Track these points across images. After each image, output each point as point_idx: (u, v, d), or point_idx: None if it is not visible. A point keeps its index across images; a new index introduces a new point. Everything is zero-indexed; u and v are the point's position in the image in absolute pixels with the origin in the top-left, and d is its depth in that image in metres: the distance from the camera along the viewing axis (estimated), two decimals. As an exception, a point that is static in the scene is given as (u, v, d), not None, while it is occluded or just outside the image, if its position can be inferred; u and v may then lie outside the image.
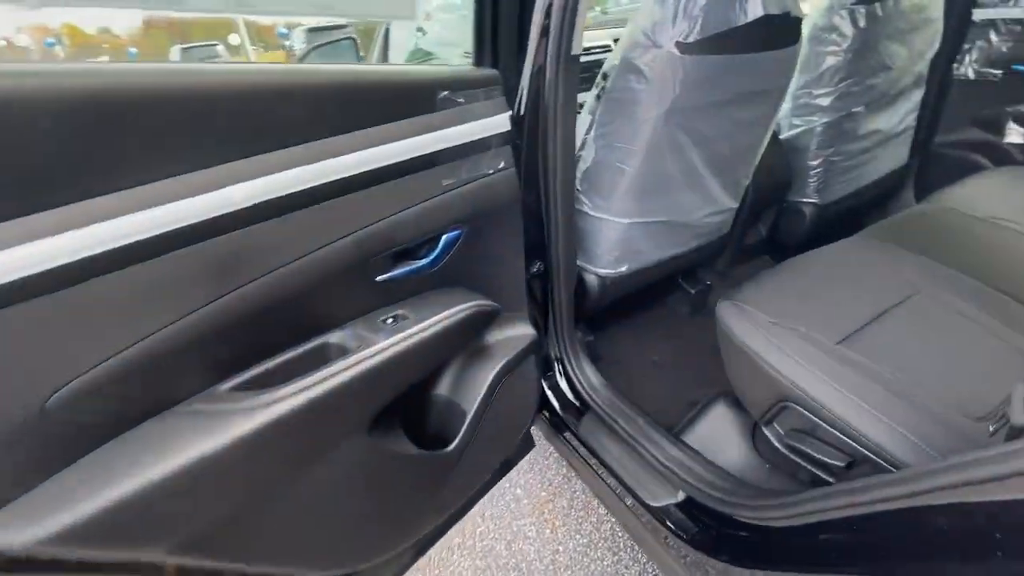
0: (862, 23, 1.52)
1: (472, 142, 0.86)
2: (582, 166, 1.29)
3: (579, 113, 1.29)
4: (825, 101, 1.63)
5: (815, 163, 1.74)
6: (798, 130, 1.72)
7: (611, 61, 1.14)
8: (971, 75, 1.83)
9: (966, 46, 1.82)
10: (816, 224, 1.83)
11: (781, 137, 1.78)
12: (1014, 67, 1.74)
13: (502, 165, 0.92)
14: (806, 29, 1.62)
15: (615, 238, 1.35)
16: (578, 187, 1.32)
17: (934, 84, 1.88)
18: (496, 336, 1.06)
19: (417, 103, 0.81)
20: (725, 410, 1.26)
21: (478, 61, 0.94)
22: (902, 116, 1.83)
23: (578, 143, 1.28)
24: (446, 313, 0.85)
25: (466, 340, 0.95)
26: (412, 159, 0.80)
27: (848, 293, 1.14)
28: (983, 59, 1.79)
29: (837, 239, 2.09)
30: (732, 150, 1.36)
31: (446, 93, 0.82)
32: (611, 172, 1.25)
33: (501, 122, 0.91)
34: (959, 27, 1.79)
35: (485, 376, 1.00)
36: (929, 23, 1.66)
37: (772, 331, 1.05)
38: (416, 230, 0.83)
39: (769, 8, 1.06)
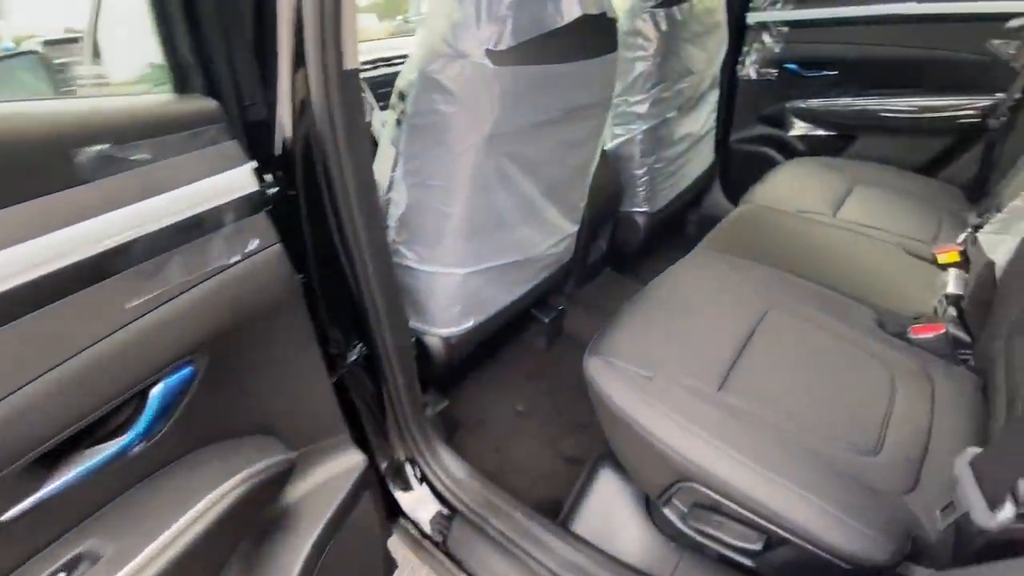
0: (664, 27, 1.47)
1: (180, 223, 0.51)
2: (395, 211, 1.00)
3: (378, 143, 1.00)
4: (642, 108, 1.57)
5: (641, 172, 1.69)
6: (620, 139, 1.65)
7: (406, 76, 0.87)
8: (753, 75, 1.96)
9: (745, 48, 1.94)
10: (650, 231, 1.79)
11: (605, 148, 1.69)
12: (785, 66, 1.91)
13: (253, 246, 0.58)
14: (614, 33, 1.54)
15: (453, 291, 1.09)
16: (394, 237, 1.03)
17: (725, 85, 1.98)
18: (302, 488, 0.72)
19: (52, 169, 0.44)
20: (613, 479, 1.08)
21: (180, 85, 0.58)
22: (706, 118, 1.88)
23: (384, 183, 0.98)
24: (186, 519, 0.49)
25: (242, 529, 0.60)
26: (55, 273, 0.43)
27: (709, 321, 1.04)
28: (761, 60, 1.93)
29: (669, 242, 2.20)
30: (566, 173, 1.19)
31: (104, 148, 0.45)
32: (433, 216, 0.98)
33: (238, 180, 0.57)
34: (738, 30, 1.90)
35: (291, 561, 0.65)
36: (718, 26, 1.70)
37: (650, 390, 0.88)
38: (92, 395, 0.46)
39: (587, 7, 0.89)
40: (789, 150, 2.00)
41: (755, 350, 0.97)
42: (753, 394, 0.88)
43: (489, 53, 0.80)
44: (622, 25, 1.49)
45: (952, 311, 1.05)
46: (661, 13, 1.46)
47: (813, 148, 1.96)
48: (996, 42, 1.52)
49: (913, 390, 0.92)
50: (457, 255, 1.03)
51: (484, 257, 1.08)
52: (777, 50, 1.88)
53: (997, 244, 0.87)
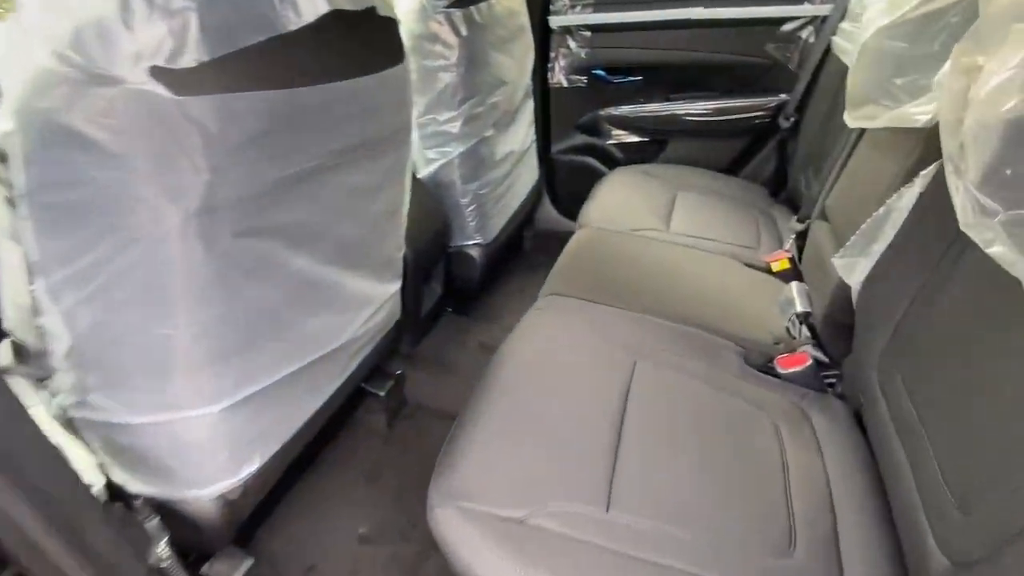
0: (464, 31, 1.23)
1: None
2: (56, 345, 0.58)
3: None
4: (454, 127, 1.32)
5: (466, 200, 1.44)
6: (436, 164, 1.38)
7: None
8: (564, 82, 1.86)
9: (552, 54, 1.82)
10: (488, 264, 1.57)
11: (420, 176, 1.41)
12: (593, 72, 1.83)
13: None
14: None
15: (207, 438, 0.70)
16: (72, 383, 0.61)
17: (538, 95, 1.84)
18: None
19: None
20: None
21: None
22: (525, 132, 1.71)
23: (18, 302, 0.56)
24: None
25: None
26: None
27: (576, 403, 0.83)
28: (569, 66, 1.83)
29: (509, 267, 2.03)
30: (366, 227, 0.88)
31: None
32: (138, 343, 0.59)
33: None
34: (543, 35, 1.77)
35: None
36: (523, 31, 1.52)
37: (520, 540, 0.62)
38: None
39: (338, 1, 0.58)
40: (609, 158, 1.94)
41: (634, 427, 0.78)
42: (647, 502, 0.68)
43: (160, 73, 0.45)
44: (413, 29, 1.22)
45: (805, 331, 0.99)
46: (458, 14, 1.22)
47: (630, 155, 1.92)
48: (772, 46, 1.60)
49: (798, 441, 0.81)
50: (200, 390, 0.65)
51: (252, 376, 0.71)
52: (583, 56, 1.78)
53: (853, 267, 0.80)
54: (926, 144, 0.75)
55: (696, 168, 1.79)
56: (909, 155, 0.78)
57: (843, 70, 1.36)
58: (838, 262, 0.83)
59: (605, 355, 0.93)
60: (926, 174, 0.69)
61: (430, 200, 1.38)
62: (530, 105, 1.76)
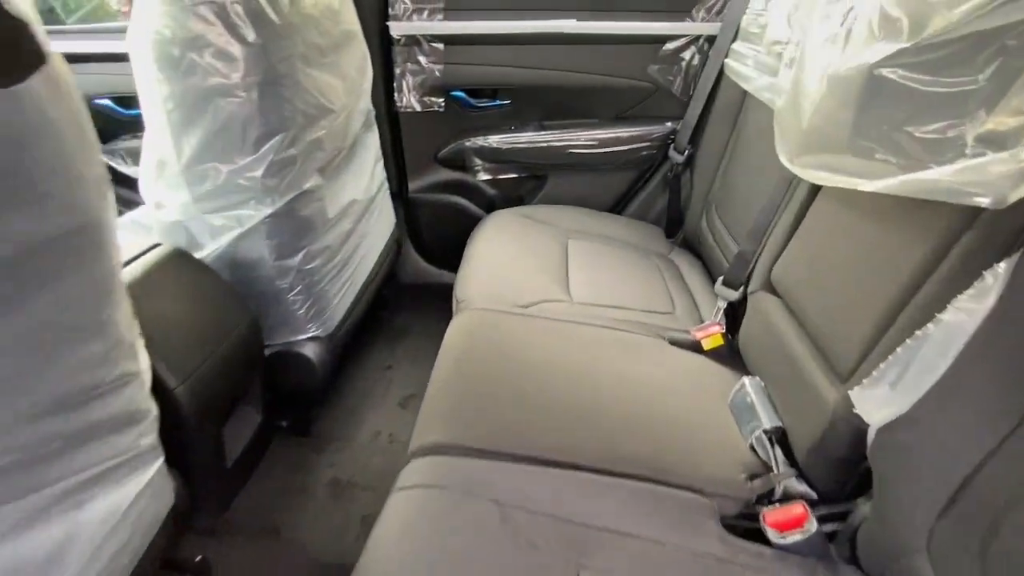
0: (251, 35, 0.79)
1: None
2: None
3: None
4: (253, 180, 0.86)
5: (286, 282, 0.98)
6: (229, 236, 0.90)
7: None
8: (416, 106, 1.47)
9: (398, 70, 1.43)
10: (332, 359, 1.11)
11: (203, 255, 0.92)
12: (452, 94, 1.48)
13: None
14: (136, 44, 0.78)
15: None
16: None
17: (384, 123, 1.43)
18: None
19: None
20: None
21: None
22: (372, 171, 1.30)
23: None
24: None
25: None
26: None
27: None
28: (421, 85, 1.45)
29: (362, 348, 1.60)
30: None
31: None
32: None
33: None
34: (383, 46, 1.37)
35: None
36: (351, 39, 1.11)
37: None
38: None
39: None
40: (478, 195, 1.60)
41: None
42: None
43: None
44: (163, 28, 0.75)
45: (779, 453, 0.73)
46: (238, 8, 0.77)
47: (504, 192, 1.60)
48: (655, 68, 1.40)
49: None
50: None
51: None
52: (437, 74, 1.42)
53: (875, 402, 0.54)
54: (965, 217, 0.51)
55: (581, 208, 1.52)
56: (934, 230, 0.54)
57: (740, 97, 1.20)
58: (854, 395, 0.57)
59: (530, 564, 0.56)
60: (1006, 269, 0.45)
61: (220, 290, 0.89)
62: (374, 137, 1.34)
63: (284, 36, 0.84)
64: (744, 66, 1.12)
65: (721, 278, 1.02)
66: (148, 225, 0.92)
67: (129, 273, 0.78)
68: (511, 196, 1.61)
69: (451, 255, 1.43)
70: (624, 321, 1.03)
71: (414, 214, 1.63)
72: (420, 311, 1.74)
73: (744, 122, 1.16)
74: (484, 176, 1.57)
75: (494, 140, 1.51)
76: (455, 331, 0.96)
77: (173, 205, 0.87)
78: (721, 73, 1.23)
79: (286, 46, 0.84)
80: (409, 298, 1.75)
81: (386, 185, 1.44)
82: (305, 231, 0.97)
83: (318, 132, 0.95)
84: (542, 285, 1.11)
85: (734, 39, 1.19)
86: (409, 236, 1.67)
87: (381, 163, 1.38)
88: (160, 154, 0.83)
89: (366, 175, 1.23)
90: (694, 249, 1.38)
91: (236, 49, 0.78)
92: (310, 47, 0.91)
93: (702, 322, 1.07)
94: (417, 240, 1.69)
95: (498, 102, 1.49)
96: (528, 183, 1.60)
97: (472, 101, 1.49)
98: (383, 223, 1.42)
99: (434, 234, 1.68)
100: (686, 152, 1.36)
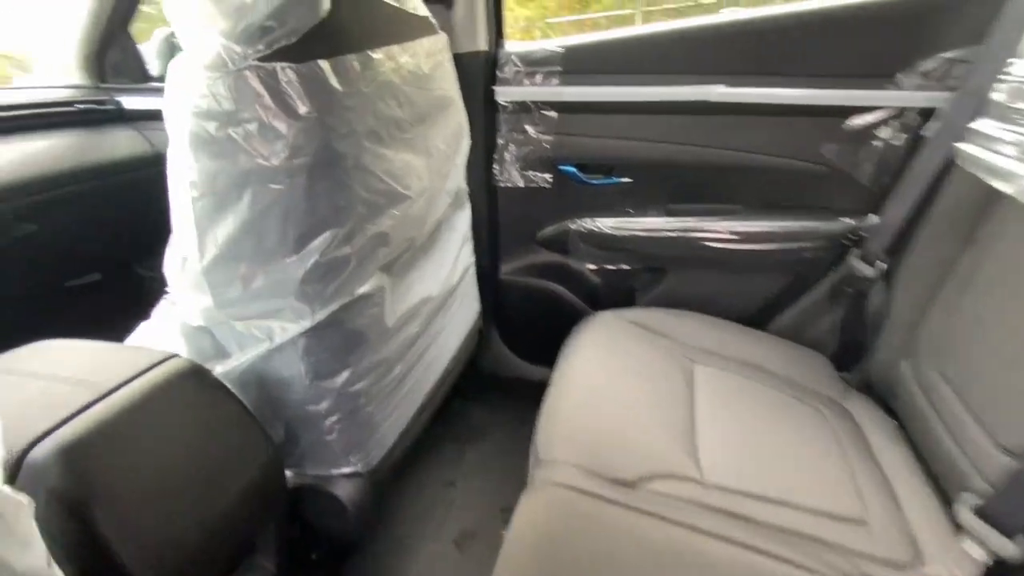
0: (303, 105, 0.60)
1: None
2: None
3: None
4: (289, 286, 0.66)
5: (324, 407, 0.76)
6: (256, 351, 0.71)
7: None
8: (518, 180, 1.27)
9: (501, 140, 1.24)
10: (369, 499, 0.87)
11: (229, 369, 0.73)
12: (561, 168, 1.25)
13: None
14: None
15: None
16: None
17: (479, 198, 1.23)
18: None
19: None
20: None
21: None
22: (455, 257, 1.08)
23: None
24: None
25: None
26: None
27: None
28: (526, 158, 1.24)
29: (423, 446, 1.35)
30: None
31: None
32: None
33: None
34: (486, 112, 1.19)
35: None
36: (446, 107, 0.92)
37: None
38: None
39: None
40: (581, 284, 1.33)
41: None
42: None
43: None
44: (195, 104, 0.59)
45: None
46: (290, 74, 0.59)
47: (612, 284, 1.31)
48: (831, 147, 1.05)
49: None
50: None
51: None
52: (547, 145, 1.20)
53: None
54: None
55: (710, 318, 1.18)
56: None
57: (984, 198, 0.80)
58: None
59: None
60: None
61: (235, 419, 0.69)
62: (464, 216, 1.14)
63: (349, 108, 0.65)
64: (995, 154, 0.75)
65: (972, 503, 0.63)
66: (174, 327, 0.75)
67: (132, 391, 0.60)
68: (619, 289, 1.31)
69: (541, 348, 1.17)
70: (790, 535, 0.67)
71: (503, 298, 1.40)
72: (500, 407, 1.48)
73: (994, 236, 0.77)
74: (590, 264, 1.30)
75: (606, 224, 1.24)
76: (529, 516, 0.66)
77: (195, 309, 0.70)
78: (950, 162, 0.86)
79: (350, 120, 0.65)
80: (489, 389, 1.50)
81: (473, 268, 1.22)
82: (353, 346, 0.76)
83: (384, 225, 0.74)
84: (658, 444, 0.79)
85: (975, 115, 0.82)
86: (495, 321, 1.44)
87: (470, 245, 1.17)
88: (184, 248, 0.66)
89: (447, 264, 1.02)
90: (883, 398, 0.97)
91: (282, 123, 0.60)
92: (384, 121, 0.71)
93: (914, 545, 0.67)
94: (504, 327, 1.45)
95: (615, 179, 1.23)
96: (642, 276, 1.30)
97: (584, 177, 1.24)
98: (464, 312, 1.20)
99: (524, 323, 1.43)
100: (884, 267, 0.98)
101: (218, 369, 0.73)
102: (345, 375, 0.76)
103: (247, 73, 0.58)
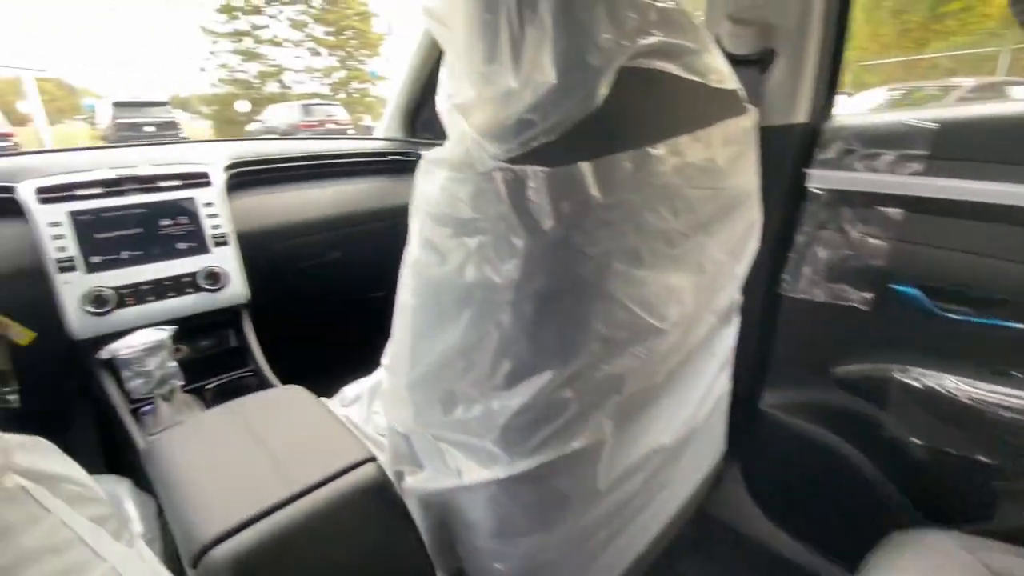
0: (548, 218, 0.46)
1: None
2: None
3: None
4: (498, 428, 0.53)
5: (501, 568, 0.61)
6: (447, 483, 0.60)
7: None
8: (819, 294, 0.93)
9: (801, 238, 0.92)
10: None
11: (415, 483, 0.64)
12: (895, 288, 0.87)
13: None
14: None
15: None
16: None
17: (753, 311, 0.94)
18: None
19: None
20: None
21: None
22: (709, 386, 0.82)
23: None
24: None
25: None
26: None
27: None
28: (833, 269, 0.90)
29: None
30: None
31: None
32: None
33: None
34: (787, 201, 0.90)
35: None
36: (736, 207, 0.68)
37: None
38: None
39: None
40: (890, 457, 0.90)
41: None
42: None
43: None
44: (436, 205, 0.51)
45: None
46: (540, 175, 0.46)
47: (949, 477, 0.85)
48: None
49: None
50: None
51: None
52: (876, 252, 0.84)
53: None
54: None
55: None
56: None
57: None
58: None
59: None
60: None
61: (411, 538, 0.59)
62: (728, 335, 0.87)
63: (606, 223, 0.48)
64: None
65: None
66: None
67: (320, 498, 0.56)
68: (964, 490, 0.84)
69: (805, 517, 0.84)
70: None
71: (759, 436, 1.06)
72: (734, 572, 1.12)
73: None
74: (915, 438, 0.86)
75: (961, 385, 0.80)
76: None
77: (398, 416, 0.62)
78: None
79: (604, 238, 0.48)
80: (718, 547, 1.15)
81: (727, 398, 0.93)
82: (551, 509, 0.58)
83: (621, 366, 0.55)
84: None
85: None
86: (740, 462, 1.10)
87: (729, 370, 0.89)
88: (396, 353, 0.59)
89: (693, 401, 0.77)
90: None
91: (519, 239, 0.47)
92: (649, 235, 0.53)
93: None
94: (754, 473, 1.10)
95: (993, 320, 0.79)
96: (1009, 478, 0.80)
97: (933, 306, 0.83)
98: (704, 453, 0.92)
99: (784, 476, 1.06)
100: None
101: (408, 480, 0.65)
102: (533, 540, 0.59)
103: (495, 175, 0.46)
